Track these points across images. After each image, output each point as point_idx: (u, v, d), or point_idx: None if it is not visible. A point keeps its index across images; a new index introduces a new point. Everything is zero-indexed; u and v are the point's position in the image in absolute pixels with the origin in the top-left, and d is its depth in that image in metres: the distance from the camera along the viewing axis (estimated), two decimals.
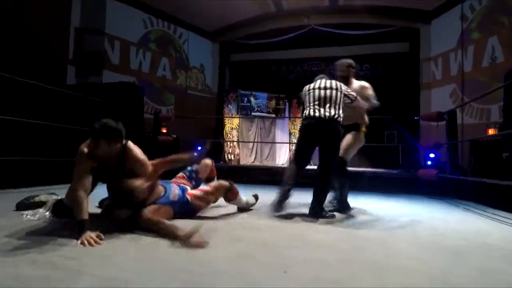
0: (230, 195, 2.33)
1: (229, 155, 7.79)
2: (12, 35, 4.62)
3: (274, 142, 8.10)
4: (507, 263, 1.45)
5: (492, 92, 3.77)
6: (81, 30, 5.99)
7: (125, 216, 1.70)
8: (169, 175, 2.30)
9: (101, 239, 1.47)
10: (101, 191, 2.05)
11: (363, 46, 7.49)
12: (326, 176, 2.49)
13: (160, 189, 1.98)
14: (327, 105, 2.46)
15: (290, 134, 8.27)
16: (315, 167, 2.58)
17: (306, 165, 2.63)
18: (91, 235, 1.47)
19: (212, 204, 2.33)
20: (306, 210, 2.59)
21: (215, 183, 2.30)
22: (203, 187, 2.26)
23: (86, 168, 1.71)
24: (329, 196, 2.61)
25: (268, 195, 3.37)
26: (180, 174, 2.38)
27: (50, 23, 5.26)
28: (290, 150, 8.19)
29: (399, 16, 7.15)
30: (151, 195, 1.84)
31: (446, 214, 2.83)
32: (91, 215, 1.88)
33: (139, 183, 1.73)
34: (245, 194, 2.58)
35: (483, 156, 3.91)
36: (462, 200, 3.69)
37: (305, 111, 2.58)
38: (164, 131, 5.75)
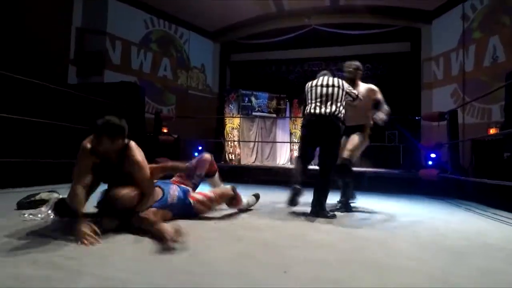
0: (235, 203, 2.31)
1: (230, 155, 7.79)
2: (14, 34, 4.63)
3: (275, 142, 8.09)
4: (508, 263, 1.45)
5: (493, 92, 3.76)
6: (82, 30, 6.00)
7: (110, 226, 1.65)
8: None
9: (96, 234, 1.48)
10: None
11: (364, 46, 7.47)
12: (326, 174, 2.50)
13: (158, 191, 1.95)
14: (329, 103, 2.49)
15: (290, 134, 8.26)
16: (317, 167, 2.59)
17: (311, 160, 2.66)
18: (87, 231, 1.47)
19: None
20: (306, 210, 2.59)
21: (219, 190, 2.26)
22: (207, 192, 2.18)
23: (88, 164, 1.71)
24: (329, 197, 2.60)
25: (268, 195, 3.39)
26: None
27: (51, 23, 5.27)
28: (291, 150, 8.20)
29: (400, 16, 7.13)
30: (142, 204, 1.75)
31: (447, 214, 2.83)
32: (90, 215, 1.89)
33: (125, 192, 1.68)
34: (245, 194, 2.58)
35: (485, 156, 3.90)
36: (463, 200, 3.69)
37: (307, 108, 2.62)
38: (165, 131, 5.76)
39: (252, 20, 7.96)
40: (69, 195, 1.85)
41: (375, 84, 3.05)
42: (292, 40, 7.97)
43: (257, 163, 7.78)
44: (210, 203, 2.12)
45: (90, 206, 1.93)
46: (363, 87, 2.94)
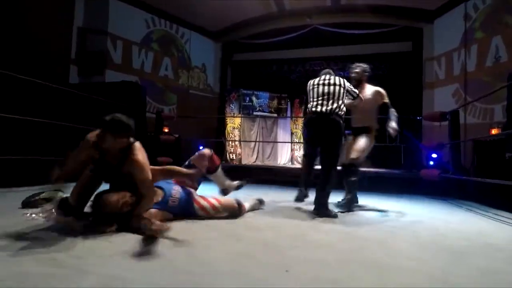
0: (238, 215, 2.21)
1: (230, 155, 7.80)
2: (15, 34, 4.65)
3: (276, 142, 8.09)
4: (509, 263, 1.45)
5: (495, 92, 3.75)
6: (84, 30, 6.01)
7: (110, 230, 1.64)
8: None
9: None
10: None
11: (366, 45, 7.46)
12: (327, 173, 2.51)
13: (159, 193, 1.92)
14: (330, 101, 2.53)
15: (292, 133, 8.26)
16: (319, 167, 2.61)
17: (316, 157, 2.71)
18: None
19: None
20: (308, 209, 2.59)
21: (225, 202, 2.18)
22: (213, 200, 2.12)
23: (83, 154, 1.73)
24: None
25: (269, 195, 3.39)
26: None
27: (53, 22, 5.29)
28: (292, 150, 8.19)
29: (402, 15, 7.11)
30: (141, 206, 1.73)
31: (447, 214, 2.82)
32: (85, 214, 1.89)
33: (114, 200, 1.67)
34: (248, 195, 2.56)
35: (486, 156, 3.89)
36: (464, 200, 3.68)
37: (308, 105, 2.67)
38: (166, 130, 5.76)
39: (253, 20, 7.96)
40: (72, 194, 1.87)
41: (376, 84, 3.07)
42: (294, 39, 7.96)
43: (258, 163, 7.78)
44: (213, 211, 2.08)
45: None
46: (370, 89, 2.99)
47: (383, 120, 3.00)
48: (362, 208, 2.92)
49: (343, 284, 1.12)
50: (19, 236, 1.51)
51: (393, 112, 2.92)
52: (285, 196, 3.43)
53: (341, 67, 7.92)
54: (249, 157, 7.96)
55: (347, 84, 2.68)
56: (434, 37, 6.86)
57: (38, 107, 3.81)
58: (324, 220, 2.29)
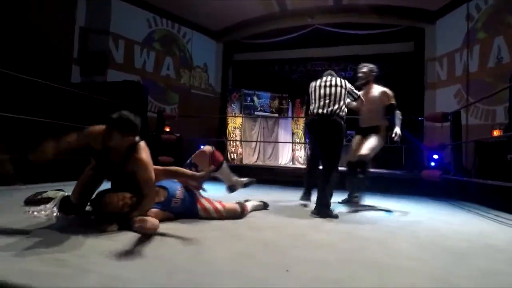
0: (240, 217, 2.18)
1: (232, 155, 7.81)
2: (18, 34, 4.67)
3: (277, 142, 8.09)
4: (509, 264, 1.44)
5: (497, 93, 3.74)
6: (86, 30, 6.03)
7: (111, 230, 1.64)
8: None
9: None
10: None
11: (367, 46, 7.45)
12: (329, 173, 2.52)
13: (162, 193, 1.90)
14: (331, 102, 2.56)
15: (293, 133, 8.26)
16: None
17: (320, 158, 2.76)
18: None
19: None
20: (308, 209, 2.59)
21: (229, 206, 2.14)
22: (217, 204, 2.11)
23: (78, 143, 1.75)
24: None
25: (269, 195, 3.39)
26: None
27: (55, 22, 5.31)
28: (293, 150, 8.19)
29: (404, 15, 7.10)
30: (143, 205, 1.73)
31: (448, 215, 2.82)
32: (86, 213, 1.90)
33: (114, 200, 1.67)
34: (249, 198, 2.56)
35: (488, 158, 3.88)
36: (466, 201, 3.67)
37: (310, 107, 2.72)
38: (168, 130, 5.78)
39: (255, 19, 7.96)
40: (73, 192, 1.88)
41: (378, 84, 3.09)
42: (295, 39, 7.96)
43: (259, 163, 7.79)
44: (215, 214, 2.07)
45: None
46: (377, 89, 3.03)
47: (387, 120, 3.05)
48: (362, 208, 2.92)
49: (343, 284, 1.12)
50: (21, 234, 1.52)
51: (398, 116, 2.96)
52: (286, 196, 3.43)
53: (342, 67, 7.92)
54: (250, 157, 7.97)
55: (348, 85, 2.71)
56: (436, 38, 6.85)
57: (40, 107, 3.83)
58: (325, 220, 2.30)
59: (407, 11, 7.00)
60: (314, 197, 2.74)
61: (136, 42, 6.81)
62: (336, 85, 2.62)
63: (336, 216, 2.38)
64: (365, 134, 3.00)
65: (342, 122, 2.54)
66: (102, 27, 6.18)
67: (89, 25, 6.06)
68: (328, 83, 2.65)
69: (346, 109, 2.61)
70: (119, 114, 1.67)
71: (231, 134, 7.91)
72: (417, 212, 2.88)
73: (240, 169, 6.01)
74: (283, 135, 8.25)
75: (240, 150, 7.92)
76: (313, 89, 2.73)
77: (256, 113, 8.05)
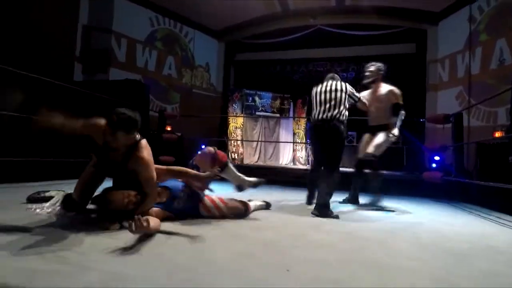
0: (243, 216, 2.16)
1: (233, 154, 7.81)
2: (20, 32, 4.68)
3: (278, 142, 8.10)
4: (510, 266, 1.44)
5: (499, 95, 3.73)
6: (88, 28, 6.05)
7: (113, 228, 1.64)
8: None
9: None
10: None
11: (369, 46, 7.44)
12: (329, 175, 2.56)
13: (164, 193, 1.89)
14: (331, 108, 2.64)
15: (294, 134, 8.26)
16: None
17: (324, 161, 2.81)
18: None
19: None
20: (309, 210, 2.59)
21: (232, 204, 2.12)
22: (219, 202, 2.09)
23: (84, 128, 1.74)
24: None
25: (270, 195, 3.39)
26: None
27: (58, 20, 5.33)
28: (294, 150, 8.19)
29: (406, 17, 7.09)
30: (144, 205, 1.73)
31: (449, 216, 2.81)
32: (88, 211, 1.90)
33: (118, 197, 1.67)
34: (253, 200, 2.54)
35: (489, 159, 3.87)
36: (467, 203, 3.66)
37: (312, 112, 2.83)
38: (169, 129, 5.78)
39: (257, 19, 7.96)
40: (75, 190, 1.88)
41: (386, 83, 3.11)
42: (297, 40, 7.95)
43: (260, 163, 7.79)
44: (217, 212, 2.06)
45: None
46: (385, 88, 3.06)
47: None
48: (363, 208, 2.92)
49: (343, 284, 1.12)
50: (23, 231, 1.52)
51: (400, 117, 2.96)
52: (287, 196, 3.43)
53: (344, 68, 7.92)
54: (251, 157, 7.97)
55: (349, 88, 2.77)
56: (438, 39, 6.83)
57: (43, 105, 3.84)
58: (326, 220, 2.30)
59: (409, 12, 6.99)
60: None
61: (138, 41, 6.82)
62: (335, 90, 2.69)
63: (336, 216, 2.38)
64: (373, 133, 3.05)
65: (342, 127, 2.61)
66: (105, 25, 6.19)
67: (92, 24, 6.07)
68: (328, 88, 2.72)
69: (346, 113, 2.69)
70: (118, 115, 1.63)
71: (232, 134, 7.92)
72: (418, 213, 2.88)
73: (240, 169, 6.02)
74: (284, 135, 8.26)
75: (241, 150, 7.92)
76: (314, 95, 2.82)
77: (257, 113, 8.05)
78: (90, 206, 1.93)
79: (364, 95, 3.16)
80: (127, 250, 1.34)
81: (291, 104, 8.25)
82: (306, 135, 8.02)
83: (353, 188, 3.16)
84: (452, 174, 4.06)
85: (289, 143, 8.09)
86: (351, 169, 3.28)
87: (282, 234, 1.81)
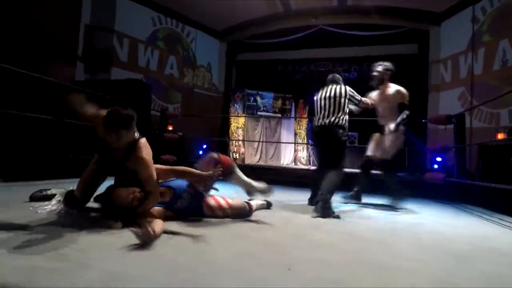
0: (246, 216, 2.15)
1: (234, 154, 7.81)
2: (22, 31, 4.70)
3: (279, 142, 8.09)
4: None
5: (502, 96, 3.71)
6: (91, 27, 6.06)
7: (115, 227, 1.63)
8: None
9: None
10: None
11: (371, 47, 7.42)
12: (330, 176, 2.58)
13: (167, 193, 1.88)
14: (331, 114, 2.76)
15: (295, 134, 8.25)
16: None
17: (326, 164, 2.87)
18: None
19: None
20: (310, 210, 2.59)
21: (236, 204, 2.12)
22: (223, 202, 2.08)
23: (93, 115, 1.79)
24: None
25: (271, 195, 3.38)
26: None
27: (60, 19, 5.34)
28: (295, 151, 8.19)
29: (408, 17, 7.06)
30: (146, 204, 1.72)
31: (451, 218, 2.80)
32: (91, 209, 1.91)
33: (124, 195, 1.67)
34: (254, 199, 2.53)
35: (492, 161, 3.85)
36: (469, 204, 3.64)
37: (314, 118, 2.94)
38: (170, 128, 5.79)
39: (259, 19, 7.96)
40: (77, 188, 1.89)
41: (394, 83, 3.13)
42: (299, 40, 7.94)
43: (261, 163, 7.79)
44: (220, 212, 2.05)
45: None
46: (393, 88, 3.09)
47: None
48: (363, 209, 2.92)
49: (344, 284, 1.12)
50: (23, 229, 1.53)
51: (402, 115, 2.98)
52: (288, 196, 3.43)
53: (346, 68, 7.90)
54: (252, 157, 7.97)
55: (349, 92, 2.84)
56: (440, 40, 6.81)
57: (45, 104, 3.85)
58: (326, 220, 2.29)
59: (411, 12, 6.97)
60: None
61: (140, 40, 6.84)
62: (335, 96, 2.78)
63: (337, 216, 2.38)
64: (382, 132, 3.13)
65: (340, 131, 2.71)
66: (107, 25, 6.20)
67: (94, 23, 6.09)
68: (327, 95, 2.82)
69: (346, 117, 2.78)
70: (114, 116, 1.63)
71: (234, 133, 7.92)
72: (420, 214, 2.87)
73: (242, 169, 6.02)
74: (286, 135, 8.25)
75: (242, 150, 7.92)
76: (315, 101, 2.93)
77: (259, 113, 8.05)
78: (92, 205, 1.93)
79: (373, 95, 3.23)
80: (127, 249, 1.34)
81: (293, 104, 8.25)
82: (308, 135, 8.01)
83: (357, 185, 3.18)
84: (454, 175, 4.04)
85: (290, 143, 8.08)
86: (351, 170, 3.30)
87: (283, 234, 1.80)
